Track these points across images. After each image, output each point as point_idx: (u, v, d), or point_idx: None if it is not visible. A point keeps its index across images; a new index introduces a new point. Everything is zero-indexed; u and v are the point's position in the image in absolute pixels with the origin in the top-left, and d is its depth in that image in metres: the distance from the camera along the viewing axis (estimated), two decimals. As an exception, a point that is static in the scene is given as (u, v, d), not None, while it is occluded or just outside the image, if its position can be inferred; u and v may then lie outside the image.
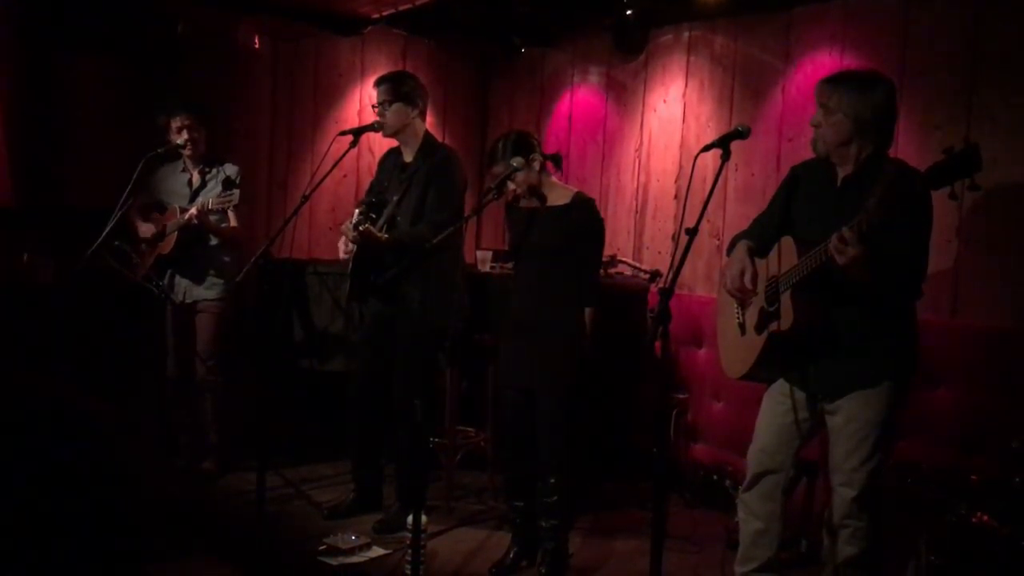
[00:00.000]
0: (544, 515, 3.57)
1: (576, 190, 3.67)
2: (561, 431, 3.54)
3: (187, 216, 4.33)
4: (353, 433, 4.23)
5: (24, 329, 4.28)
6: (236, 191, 4.32)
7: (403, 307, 3.99)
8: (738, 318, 3.10)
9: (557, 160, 3.72)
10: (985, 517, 3.24)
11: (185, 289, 4.57)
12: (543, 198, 3.62)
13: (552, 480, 3.54)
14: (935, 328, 3.74)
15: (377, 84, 4.13)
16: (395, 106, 4.01)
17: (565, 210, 3.58)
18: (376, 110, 4.06)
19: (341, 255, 4.07)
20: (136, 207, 4.55)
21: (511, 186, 3.57)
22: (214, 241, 4.53)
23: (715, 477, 4.51)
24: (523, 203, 3.66)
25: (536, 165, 3.58)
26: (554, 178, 3.70)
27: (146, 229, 4.54)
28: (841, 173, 2.92)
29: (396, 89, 4.03)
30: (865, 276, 2.64)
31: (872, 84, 2.86)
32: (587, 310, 3.56)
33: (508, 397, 3.69)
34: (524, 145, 3.57)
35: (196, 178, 4.59)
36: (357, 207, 4.12)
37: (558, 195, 3.62)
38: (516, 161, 3.52)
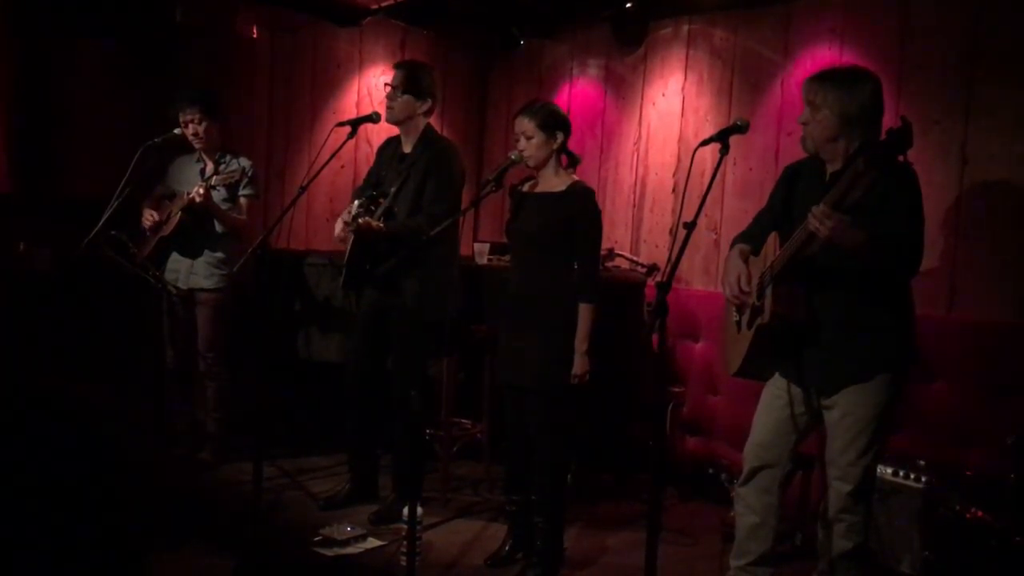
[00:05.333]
0: (537, 513, 3.55)
1: (575, 178, 3.54)
2: (549, 430, 3.47)
3: (192, 192, 4.31)
4: (348, 423, 4.24)
5: (21, 317, 4.28)
6: (236, 171, 4.35)
7: (399, 299, 3.99)
8: (736, 316, 3.11)
9: (573, 158, 3.58)
10: (979, 512, 3.25)
11: (183, 275, 4.55)
12: (537, 182, 3.54)
13: (544, 479, 3.51)
14: (931, 322, 3.74)
15: (395, 67, 4.17)
16: (405, 97, 4.01)
17: (559, 197, 3.46)
18: (387, 90, 4.08)
19: (335, 234, 4.05)
20: (152, 196, 4.55)
21: (523, 150, 3.45)
22: (219, 228, 4.53)
23: (711, 470, 4.52)
24: (526, 187, 3.59)
25: (556, 143, 3.47)
26: (562, 168, 3.55)
27: (149, 216, 4.52)
28: (830, 169, 2.93)
29: (409, 80, 4.02)
30: (857, 244, 2.65)
31: (857, 80, 2.87)
32: (584, 305, 3.42)
33: (505, 392, 3.65)
34: (557, 119, 3.47)
35: (210, 168, 4.57)
36: (356, 197, 4.12)
37: (555, 182, 3.50)
38: (515, 154, 3.50)
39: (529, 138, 3.44)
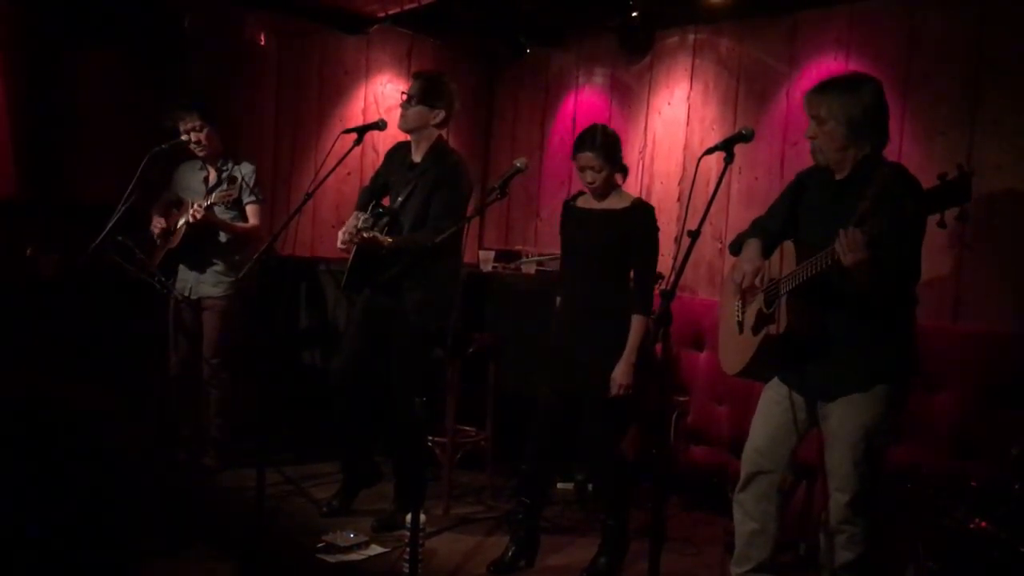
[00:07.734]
0: (603, 510, 3.73)
1: (636, 196, 3.70)
2: (612, 435, 3.63)
3: (191, 213, 4.33)
4: (333, 416, 4.21)
5: (27, 323, 4.29)
6: (235, 186, 4.37)
7: (400, 306, 3.98)
8: (738, 316, 3.11)
9: (624, 169, 3.70)
10: (984, 523, 3.23)
11: (192, 285, 4.58)
12: (601, 197, 3.65)
13: (610, 482, 3.70)
14: (936, 332, 3.74)
15: (413, 76, 4.18)
16: (418, 107, 4.01)
17: (624, 213, 3.60)
18: (402, 98, 4.08)
19: (339, 244, 4.05)
20: (160, 204, 4.57)
21: (592, 182, 3.57)
22: (224, 238, 4.54)
23: (715, 480, 4.51)
24: (580, 202, 3.71)
25: (619, 168, 3.62)
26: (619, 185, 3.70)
27: (158, 223, 4.55)
28: (838, 176, 2.92)
29: (424, 90, 4.02)
30: (866, 280, 2.64)
31: (858, 84, 2.86)
32: (638, 317, 3.54)
33: (544, 395, 3.71)
34: (617, 146, 3.61)
35: (213, 175, 4.60)
36: (362, 199, 4.15)
37: (617, 199, 3.64)
38: (520, 161, 3.51)
39: (599, 171, 3.57)
